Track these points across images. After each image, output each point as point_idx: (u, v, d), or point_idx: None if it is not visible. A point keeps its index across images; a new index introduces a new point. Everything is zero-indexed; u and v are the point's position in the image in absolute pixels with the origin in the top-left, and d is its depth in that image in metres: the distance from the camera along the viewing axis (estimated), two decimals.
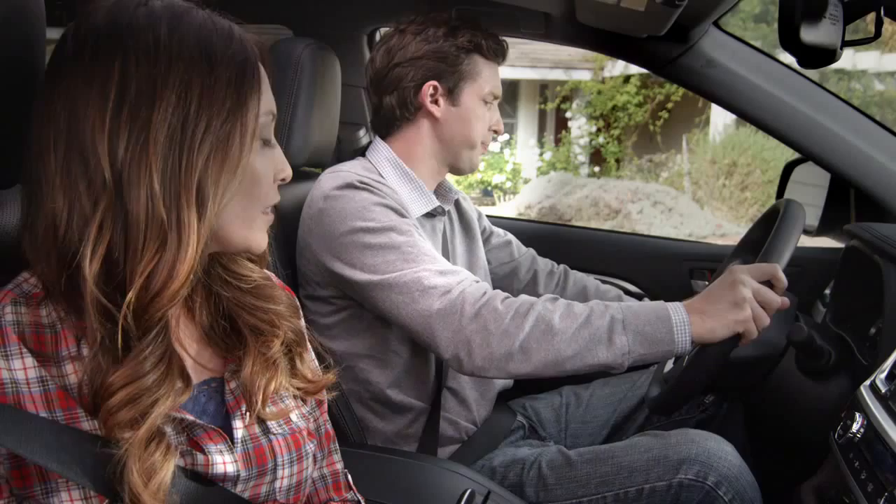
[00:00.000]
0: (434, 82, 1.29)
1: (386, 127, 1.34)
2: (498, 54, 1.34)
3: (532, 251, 1.60)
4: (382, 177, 1.28)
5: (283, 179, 0.73)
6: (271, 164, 0.71)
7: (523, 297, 1.11)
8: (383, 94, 1.32)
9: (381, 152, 1.32)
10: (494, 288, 1.50)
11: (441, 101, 1.30)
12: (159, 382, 0.63)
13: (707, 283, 1.43)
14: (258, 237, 0.72)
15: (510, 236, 1.59)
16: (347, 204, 1.17)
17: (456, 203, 1.45)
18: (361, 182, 1.19)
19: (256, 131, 0.67)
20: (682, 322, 1.05)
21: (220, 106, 0.63)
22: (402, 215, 1.19)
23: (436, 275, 1.11)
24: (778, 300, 1.07)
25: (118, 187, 0.61)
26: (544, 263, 1.59)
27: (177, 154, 0.62)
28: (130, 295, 0.61)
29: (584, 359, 1.05)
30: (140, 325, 0.62)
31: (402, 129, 1.33)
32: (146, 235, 0.61)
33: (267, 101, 0.69)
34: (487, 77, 1.32)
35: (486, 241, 1.55)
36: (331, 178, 1.22)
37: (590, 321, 1.06)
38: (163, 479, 0.62)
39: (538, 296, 1.53)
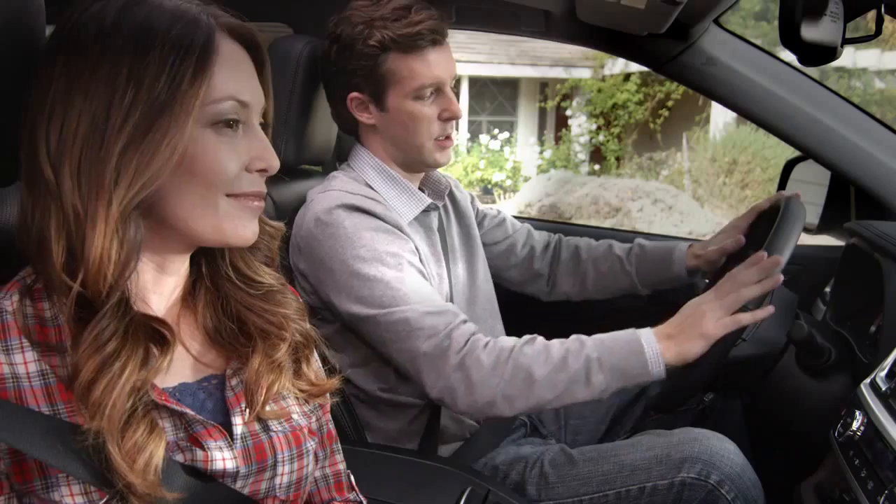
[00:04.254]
0: (354, 93, 1.22)
1: (353, 134, 1.32)
2: (418, 42, 1.17)
3: (527, 226, 1.58)
4: (370, 185, 1.25)
5: (262, 170, 0.70)
6: (234, 151, 0.68)
7: (502, 341, 1.10)
8: (331, 108, 1.31)
9: (364, 158, 1.28)
10: (493, 265, 1.50)
11: (370, 107, 1.23)
12: (119, 348, 0.62)
13: (707, 281, 1.42)
14: (230, 227, 0.68)
15: (504, 214, 1.57)
16: (338, 230, 1.14)
17: (450, 193, 1.42)
18: (352, 204, 1.16)
19: (194, 115, 0.64)
20: (655, 353, 1.06)
21: (148, 91, 0.62)
22: (395, 234, 1.17)
23: (423, 315, 1.10)
24: (758, 289, 1.06)
25: (60, 184, 0.62)
26: (540, 237, 1.57)
27: (97, 143, 0.62)
28: (80, 277, 0.61)
29: (563, 399, 1.08)
30: (96, 304, 0.62)
31: (362, 137, 1.30)
32: (75, 223, 0.62)
33: (227, 87, 0.66)
34: (412, 72, 1.18)
35: (479, 223, 1.53)
36: (321, 199, 1.18)
37: (566, 364, 1.07)
38: (149, 458, 0.61)
39: (534, 270, 1.54)
